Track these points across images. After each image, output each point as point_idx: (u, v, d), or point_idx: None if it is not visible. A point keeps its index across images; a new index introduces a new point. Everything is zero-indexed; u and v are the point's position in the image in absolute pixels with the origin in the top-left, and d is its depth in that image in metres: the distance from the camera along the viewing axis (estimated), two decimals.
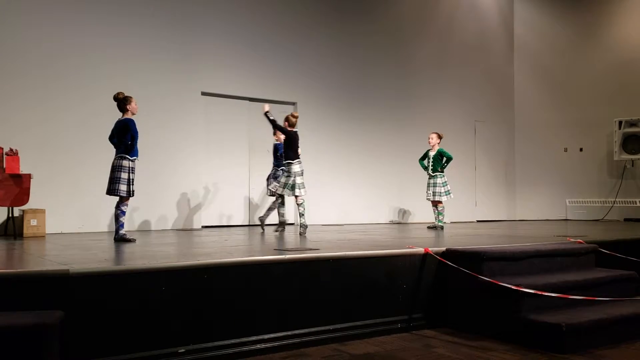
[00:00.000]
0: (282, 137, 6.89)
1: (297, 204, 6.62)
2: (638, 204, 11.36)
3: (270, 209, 7.57)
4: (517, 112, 12.70)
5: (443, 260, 4.33)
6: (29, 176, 6.46)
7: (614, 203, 11.57)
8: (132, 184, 5.51)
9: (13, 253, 4.47)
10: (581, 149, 12.15)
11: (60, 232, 7.23)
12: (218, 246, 5.05)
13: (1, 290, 2.92)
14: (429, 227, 8.32)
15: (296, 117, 6.74)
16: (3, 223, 6.92)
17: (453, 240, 5.81)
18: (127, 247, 4.78)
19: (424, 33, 11.35)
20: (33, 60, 7.33)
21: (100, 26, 7.81)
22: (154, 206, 8.10)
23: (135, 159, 5.56)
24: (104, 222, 7.48)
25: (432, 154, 8.21)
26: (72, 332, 2.97)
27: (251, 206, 9.10)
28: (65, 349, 2.92)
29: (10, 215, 6.59)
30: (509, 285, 3.85)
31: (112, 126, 5.68)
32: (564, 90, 12.32)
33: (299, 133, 6.74)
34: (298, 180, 6.53)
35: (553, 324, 3.62)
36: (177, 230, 8.05)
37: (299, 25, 9.73)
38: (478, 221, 11.60)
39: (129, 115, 5.60)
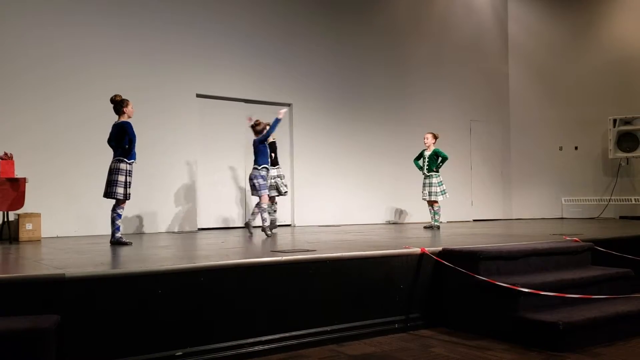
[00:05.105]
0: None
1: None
2: (633, 202, 11.41)
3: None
4: (512, 111, 12.74)
5: (440, 260, 4.34)
6: (24, 180, 6.43)
7: (610, 201, 11.61)
8: (129, 187, 5.51)
9: (8, 257, 4.45)
10: (576, 148, 12.19)
11: (55, 236, 7.21)
12: (215, 248, 5.04)
13: None
14: (425, 227, 8.33)
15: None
16: None
17: (449, 239, 5.82)
18: (123, 251, 4.77)
19: (419, 33, 11.38)
20: (28, 62, 7.31)
21: (95, 28, 7.79)
22: (150, 209, 8.08)
23: (132, 162, 5.55)
24: (99, 225, 7.44)
25: (427, 153, 8.22)
26: (68, 336, 2.96)
27: (248, 208, 9.08)
28: (62, 354, 2.91)
29: (5, 219, 6.56)
30: (506, 285, 3.86)
31: (107, 129, 5.67)
32: (558, 88, 12.36)
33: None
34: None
35: (550, 322, 3.63)
36: (173, 232, 8.04)
37: (294, 26, 9.73)
38: (474, 220, 11.62)
39: (125, 118, 5.60)
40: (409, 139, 10.33)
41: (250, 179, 6.75)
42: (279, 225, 8.77)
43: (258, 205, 6.79)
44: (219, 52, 8.89)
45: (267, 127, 6.88)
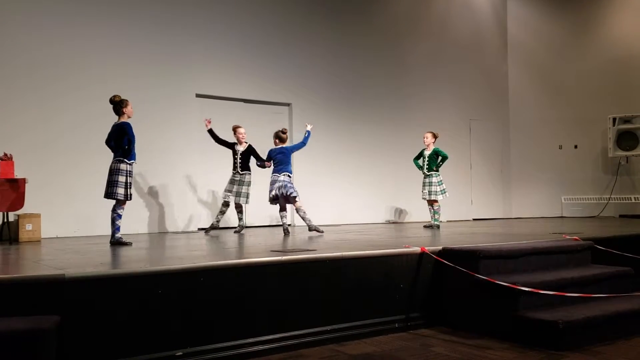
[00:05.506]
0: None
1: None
2: (633, 200, 11.41)
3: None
4: (512, 110, 12.74)
5: (440, 259, 4.34)
6: (24, 180, 6.43)
7: (609, 200, 11.61)
8: (130, 188, 5.50)
9: (8, 258, 4.45)
10: (576, 146, 12.19)
11: (55, 236, 7.21)
12: (215, 248, 5.05)
13: None
14: (425, 226, 8.33)
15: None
16: None
17: (449, 239, 5.82)
18: (123, 251, 4.77)
19: (418, 32, 11.37)
20: (28, 63, 7.30)
21: (94, 29, 7.79)
22: (150, 209, 8.08)
23: (133, 163, 5.55)
24: (99, 225, 7.44)
25: (427, 153, 8.22)
26: (68, 337, 2.96)
27: (247, 208, 9.07)
28: (62, 354, 2.91)
29: (5, 220, 6.57)
30: (506, 284, 3.86)
31: (106, 129, 5.67)
32: (558, 87, 12.37)
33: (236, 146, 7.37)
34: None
35: (550, 321, 3.63)
36: (173, 232, 8.04)
37: (294, 26, 9.73)
38: (474, 219, 11.62)
39: (124, 119, 5.60)
40: (408, 138, 10.33)
41: (286, 187, 6.71)
42: (277, 225, 8.76)
43: (297, 210, 6.84)
44: (219, 52, 8.89)
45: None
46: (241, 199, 7.21)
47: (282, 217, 7.02)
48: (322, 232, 6.81)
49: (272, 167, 7.01)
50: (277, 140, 7.05)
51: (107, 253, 4.62)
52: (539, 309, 3.89)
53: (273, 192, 6.79)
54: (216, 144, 7.41)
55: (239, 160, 7.25)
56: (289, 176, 6.85)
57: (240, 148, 7.29)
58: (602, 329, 3.80)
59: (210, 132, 7.31)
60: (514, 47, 12.83)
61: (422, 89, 11.24)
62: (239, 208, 7.44)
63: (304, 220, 6.84)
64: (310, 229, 6.80)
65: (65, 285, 3.01)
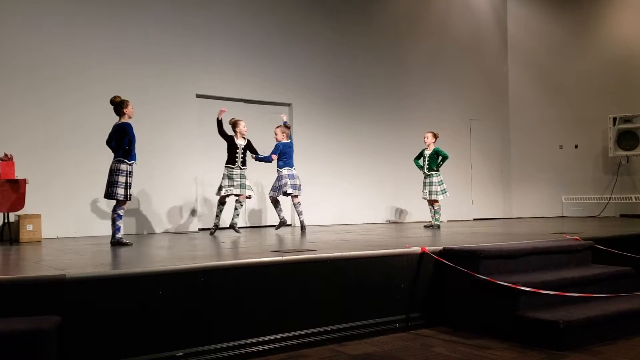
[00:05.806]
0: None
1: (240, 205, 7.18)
2: (634, 200, 11.40)
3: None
4: (512, 110, 12.74)
5: (440, 259, 4.34)
6: (24, 181, 6.43)
7: (610, 199, 11.61)
8: (130, 188, 5.50)
9: (9, 258, 4.45)
10: (576, 146, 12.19)
11: (56, 236, 7.21)
12: (215, 248, 5.05)
13: None
14: (425, 226, 8.33)
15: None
16: None
17: (450, 239, 5.82)
18: (123, 251, 4.77)
19: (418, 32, 11.37)
20: (28, 63, 7.30)
21: (94, 29, 7.79)
22: (150, 209, 8.09)
23: (133, 163, 5.55)
24: (99, 226, 7.44)
25: (427, 153, 8.22)
26: (69, 337, 2.96)
27: (247, 208, 9.08)
28: (62, 355, 2.91)
29: (6, 220, 6.57)
30: (506, 284, 3.86)
31: (106, 129, 5.67)
32: (558, 87, 12.36)
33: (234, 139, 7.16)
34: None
35: (550, 321, 3.63)
36: (173, 233, 8.04)
37: (294, 26, 9.72)
38: (474, 219, 11.62)
39: (125, 119, 5.60)
40: (409, 138, 10.33)
41: (297, 178, 7.38)
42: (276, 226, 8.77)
43: (298, 204, 7.45)
44: (219, 52, 8.89)
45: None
46: (247, 191, 7.03)
47: (279, 211, 7.55)
48: (305, 231, 7.33)
49: (276, 161, 7.40)
50: (284, 136, 7.49)
51: (107, 253, 4.62)
52: (540, 308, 3.89)
53: (293, 188, 7.28)
54: (218, 134, 7.17)
55: (240, 155, 7.08)
56: (294, 169, 7.47)
57: (242, 142, 7.21)
58: (603, 328, 3.80)
59: (219, 122, 7.11)
60: (514, 47, 12.83)
61: (422, 89, 11.24)
62: (241, 202, 7.26)
63: (299, 215, 7.45)
64: (300, 223, 7.41)
65: (66, 286, 3.01)
